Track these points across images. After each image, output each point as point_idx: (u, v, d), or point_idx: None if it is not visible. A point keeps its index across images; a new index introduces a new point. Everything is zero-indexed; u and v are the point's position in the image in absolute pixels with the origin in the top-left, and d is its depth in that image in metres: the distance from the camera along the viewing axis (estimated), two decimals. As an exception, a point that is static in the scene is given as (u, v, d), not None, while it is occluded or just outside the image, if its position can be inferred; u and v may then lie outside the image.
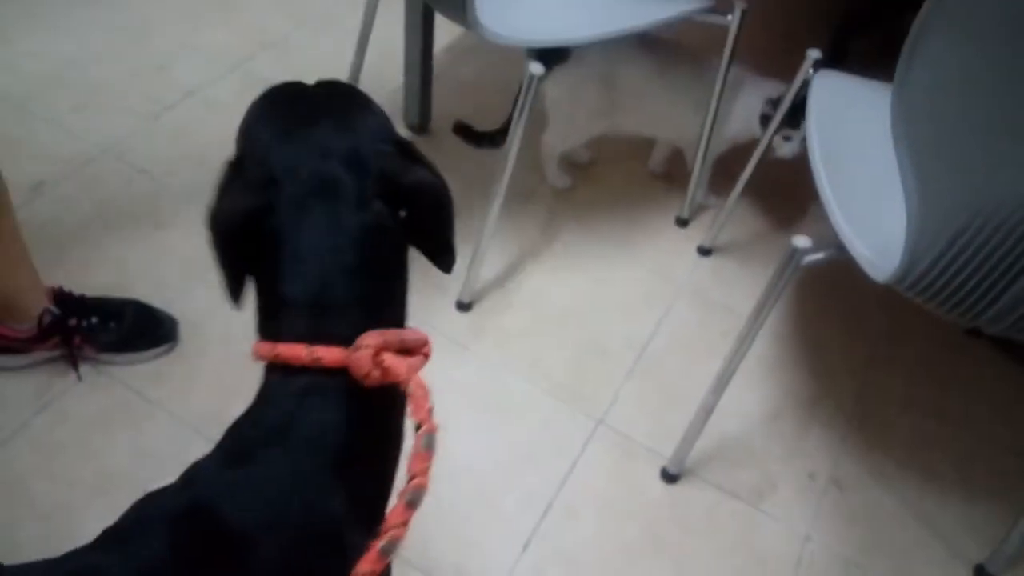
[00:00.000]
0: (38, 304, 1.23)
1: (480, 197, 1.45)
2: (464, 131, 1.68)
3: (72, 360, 1.28)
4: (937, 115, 0.86)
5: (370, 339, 0.60)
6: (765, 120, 1.50)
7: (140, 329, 1.33)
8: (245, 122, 0.70)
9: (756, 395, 1.47)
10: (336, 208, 0.61)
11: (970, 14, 0.78)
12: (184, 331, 1.38)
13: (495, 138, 1.64)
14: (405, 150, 0.67)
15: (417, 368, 0.63)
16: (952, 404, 1.50)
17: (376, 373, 0.60)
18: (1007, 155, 0.81)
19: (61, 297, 1.27)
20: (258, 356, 0.62)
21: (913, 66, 0.85)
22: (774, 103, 1.48)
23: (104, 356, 1.31)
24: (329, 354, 0.59)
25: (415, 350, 0.65)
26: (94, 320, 1.27)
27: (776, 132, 1.45)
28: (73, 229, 1.52)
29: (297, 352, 0.59)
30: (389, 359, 0.60)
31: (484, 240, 1.45)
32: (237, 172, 0.64)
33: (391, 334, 0.62)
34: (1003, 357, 1.58)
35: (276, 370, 0.61)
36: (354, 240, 0.61)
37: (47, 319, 1.23)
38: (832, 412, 1.46)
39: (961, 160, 0.85)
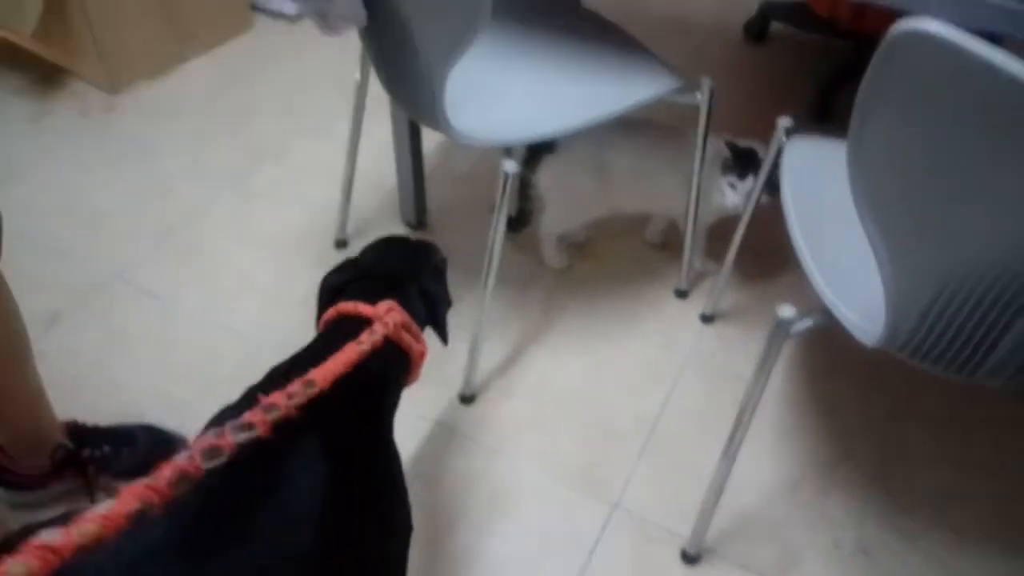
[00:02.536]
0: (54, 440, 1.26)
1: (478, 286, 1.47)
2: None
3: (89, 490, 1.30)
4: (894, 182, 0.86)
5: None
6: (725, 166, 1.54)
7: (153, 453, 1.35)
8: (367, 246, 1.13)
9: (773, 464, 1.44)
10: (389, 291, 1.01)
11: (911, 84, 0.79)
12: (196, 450, 1.40)
13: (512, 223, 1.72)
14: (438, 272, 1.13)
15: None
16: (978, 456, 1.46)
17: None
18: (968, 217, 0.81)
19: (74, 430, 1.30)
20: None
21: (863, 136, 0.86)
22: (734, 149, 1.53)
23: (120, 483, 1.33)
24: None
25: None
26: (107, 448, 1.30)
27: (762, 191, 1.46)
28: (88, 356, 1.57)
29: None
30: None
31: (481, 330, 1.46)
32: (350, 264, 1.09)
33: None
34: (1027, 400, 1.54)
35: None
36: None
37: (60, 454, 1.26)
38: (854, 473, 1.43)
39: (923, 225, 0.85)
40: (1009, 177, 0.75)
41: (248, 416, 0.70)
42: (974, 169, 0.78)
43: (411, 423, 1.44)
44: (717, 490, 1.24)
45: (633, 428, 1.48)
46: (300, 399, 0.75)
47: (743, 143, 1.55)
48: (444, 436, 1.44)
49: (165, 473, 0.63)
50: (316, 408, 0.76)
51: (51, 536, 0.54)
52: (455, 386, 1.51)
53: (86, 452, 1.29)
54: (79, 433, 1.30)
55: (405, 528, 0.93)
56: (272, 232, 1.83)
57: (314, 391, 0.77)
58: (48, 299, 1.66)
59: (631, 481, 1.39)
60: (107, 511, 0.58)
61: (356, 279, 1.03)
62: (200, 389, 1.50)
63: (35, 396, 1.23)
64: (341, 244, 1.80)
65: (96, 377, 1.53)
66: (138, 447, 1.34)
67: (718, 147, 1.56)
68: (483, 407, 1.50)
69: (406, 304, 1.00)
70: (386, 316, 0.94)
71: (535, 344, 1.62)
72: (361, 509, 0.84)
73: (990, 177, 0.76)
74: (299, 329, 1.64)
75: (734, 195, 1.54)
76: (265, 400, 0.73)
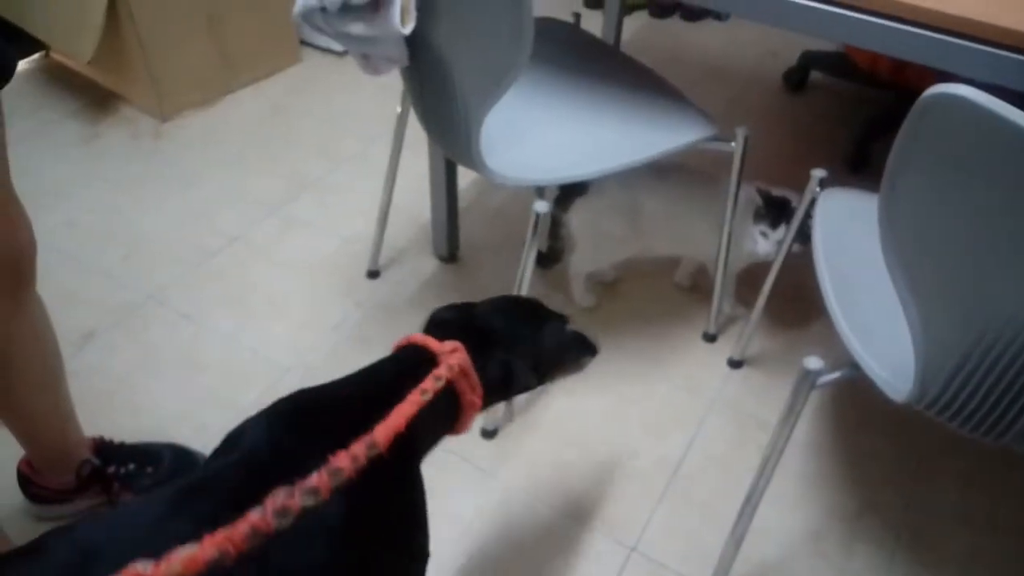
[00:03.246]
0: (81, 456, 1.29)
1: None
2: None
3: (113, 506, 1.33)
4: (925, 244, 0.86)
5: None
6: (757, 214, 1.54)
7: (178, 472, 1.37)
8: (495, 297, 1.09)
9: (797, 514, 1.42)
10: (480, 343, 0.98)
11: (943, 147, 0.79)
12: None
13: (543, 259, 1.76)
14: (542, 352, 1.06)
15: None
16: (1006, 516, 1.42)
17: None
18: (1000, 280, 0.81)
19: (100, 447, 1.33)
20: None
21: (896, 197, 0.86)
22: (763, 195, 1.53)
23: None
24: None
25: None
26: (132, 467, 1.32)
27: (793, 240, 1.46)
28: (119, 375, 1.60)
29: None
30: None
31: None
32: (464, 306, 1.05)
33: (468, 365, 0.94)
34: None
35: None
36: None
37: (86, 469, 1.28)
38: (879, 528, 1.40)
39: (955, 287, 0.85)
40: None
41: (315, 480, 0.73)
42: (1004, 232, 0.78)
43: (431, 454, 1.44)
44: (738, 538, 1.23)
45: (654, 471, 1.47)
46: (362, 463, 0.76)
47: (776, 192, 1.55)
48: (463, 469, 1.44)
49: (240, 527, 0.68)
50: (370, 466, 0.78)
51: (144, 567, 0.63)
52: (478, 421, 1.51)
53: (111, 469, 1.31)
54: (105, 450, 1.33)
55: (423, 555, 0.94)
56: (306, 260, 1.87)
57: (376, 454, 0.78)
58: (83, 317, 1.70)
59: (649, 525, 1.38)
60: (190, 555, 0.65)
61: (461, 321, 1.01)
62: (227, 412, 1.52)
63: (65, 415, 1.26)
64: (373, 274, 1.83)
65: (126, 396, 1.56)
66: (163, 466, 1.36)
67: (751, 194, 1.56)
68: (504, 442, 1.50)
69: (480, 357, 0.95)
70: (450, 357, 0.91)
71: (559, 382, 1.62)
72: (384, 531, 0.84)
73: (1020, 241, 0.76)
74: (329, 356, 1.68)
75: (766, 243, 1.54)
76: (332, 463, 0.75)
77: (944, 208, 0.81)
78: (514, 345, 1.01)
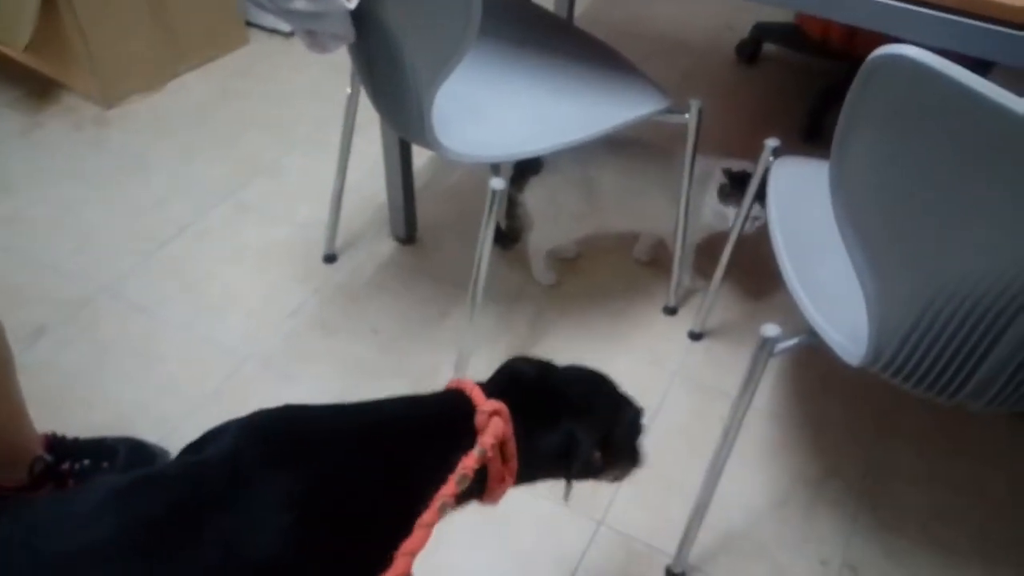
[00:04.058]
0: (33, 453, 1.26)
1: (466, 301, 1.47)
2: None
3: None
4: (875, 207, 0.87)
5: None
6: (721, 192, 1.53)
7: (134, 467, 1.34)
8: (574, 365, 1.00)
9: (760, 481, 1.44)
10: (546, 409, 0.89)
11: (891, 108, 0.80)
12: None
13: (502, 239, 1.73)
14: (606, 434, 0.94)
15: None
16: (964, 475, 1.46)
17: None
18: (950, 241, 0.82)
19: (53, 443, 1.29)
20: None
21: (845, 161, 0.86)
22: (728, 174, 1.53)
23: None
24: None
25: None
26: (86, 462, 1.29)
27: (749, 209, 1.46)
28: (73, 370, 1.56)
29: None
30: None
31: (469, 343, 1.46)
32: (543, 365, 0.95)
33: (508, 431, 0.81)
34: (1015, 423, 1.54)
35: None
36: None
37: (38, 467, 1.25)
38: (841, 491, 1.42)
39: (906, 249, 0.86)
40: (988, 199, 0.75)
41: None
42: (953, 191, 0.79)
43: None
44: (703, 507, 1.24)
45: (620, 445, 1.47)
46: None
47: (737, 166, 1.55)
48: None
49: None
50: None
51: None
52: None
53: (65, 465, 1.28)
54: (58, 446, 1.29)
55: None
56: (260, 247, 1.83)
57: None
58: (33, 313, 1.65)
59: (616, 498, 1.39)
60: None
61: (537, 380, 0.91)
62: (186, 403, 1.50)
63: (16, 411, 1.22)
64: (330, 259, 1.81)
65: (80, 391, 1.52)
66: (118, 461, 1.33)
67: (706, 166, 1.56)
68: (470, 423, 1.50)
69: (538, 421, 0.85)
70: (488, 423, 0.79)
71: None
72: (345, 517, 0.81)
73: (969, 199, 0.77)
74: (287, 343, 1.65)
75: (758, 222, 1.52)
76: None
77: (893, 169, 0.81)
78: (586, 417, 0.89)
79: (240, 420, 0.78)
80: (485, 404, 0.80)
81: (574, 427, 0.87)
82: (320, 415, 0.80)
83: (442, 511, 0.73)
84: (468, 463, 0.75)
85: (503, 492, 0.84)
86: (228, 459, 0.74)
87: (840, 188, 0.89)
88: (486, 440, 0.77)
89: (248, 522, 0.70)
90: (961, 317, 0.87)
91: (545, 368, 0.94)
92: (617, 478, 0.98)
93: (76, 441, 1.32)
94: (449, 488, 0.74)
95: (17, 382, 1.21)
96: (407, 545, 0.70)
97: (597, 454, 0.90)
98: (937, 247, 0.83)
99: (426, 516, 0.72)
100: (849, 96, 0.81)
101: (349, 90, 1.60)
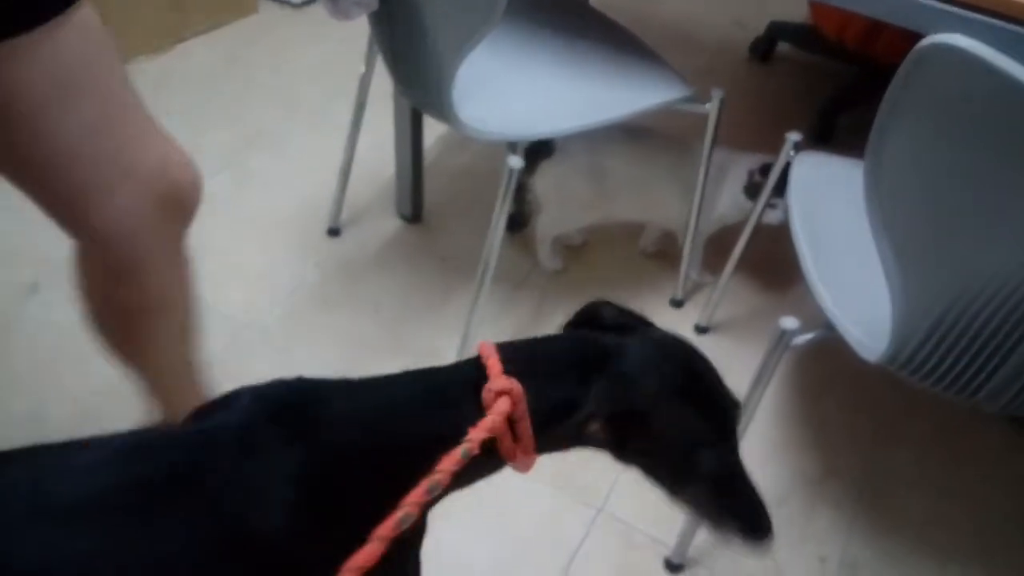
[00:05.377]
0: None
1: (471, 283, 1.45)
2: None
3: None
4: (910, 200, 0.86)
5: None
6: (750, 190, 1.52)
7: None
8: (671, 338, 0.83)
9: (760, 478, 1.42)
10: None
11: (935, 98, 0.78)
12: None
13: (510, 223, 1.67)
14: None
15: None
16: (964, 480, 1.45)
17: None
18: (984, 236, 0.81)
19: None
20: None
21: (883, 152, 0.85)
22: (756, 172, 1.50)
23: None
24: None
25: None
26: None
27: (765, 204, 1.45)
28: (67, 330, 1.52)
29: None
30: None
31: (472, 326, 1.44)
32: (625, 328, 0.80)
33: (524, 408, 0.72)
34: (1014, 430, 1.54)
35: None
36: None
37: None
38: (841, 492, 1.42)
39: (939, 243, 0.85)
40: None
41: None
42: (992, 186, 0.78)
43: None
44: (705, 501, 1.22)
45: (621, 435, 1.46)
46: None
47: (763, 162, 1.52)
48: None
49: None
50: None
51: None
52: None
53: None
54: None
55: None
56: (263, 216, 1.80)
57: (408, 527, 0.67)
58: (27, 270, 1.62)
59: (616, 486, 1.37)
60: None
61: (602, 335, 0.78)
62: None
63: (197, 370, 1.20)
64: (333, 232, 1.78)
65: (73, 350, 1.48)
66: None
67: (721, 158, 1.55)
68: (470, 405, 1.48)
69: (562, 395, 0.74)
70: (494, 402, 0.71)
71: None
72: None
73: (1010, 195, 0.76)
74: (284, 316, 1.62)
75: (776, 213, 1.49)
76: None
77: (932, 160, 0.80)
78: (619, 385, 0.74)
79: (255, 388, 0.74)
80: (495, 381, 0.72)
81: (583, 391, 0.73)
82: (334, 393, 0.76)
83: (403, 523, 0.66)
84: (446, 465, 0.68)
85: (529, 464, 0.76)
86: (238, 427, 0.71)
87: (875, 178, 0.88)
88: (475, 435, 0.70)
89: (250, 493, 0.67)
90: (988, 315, 0.86)
91: (626, 326, 0.79)
92: (724, 533, 0.79)
93: None
94: (416, 496, 0.67)
95: (199, 342, 1.17)
96: (355, 559, 0.64)
97: (595, 426, 0.74)
98: (970, 242, 0.82)
99: (382, 528, 0.65)
100: (892, 85, 0.79)
101: (363, 69, 1.58)
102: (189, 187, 0.98)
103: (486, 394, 0.72)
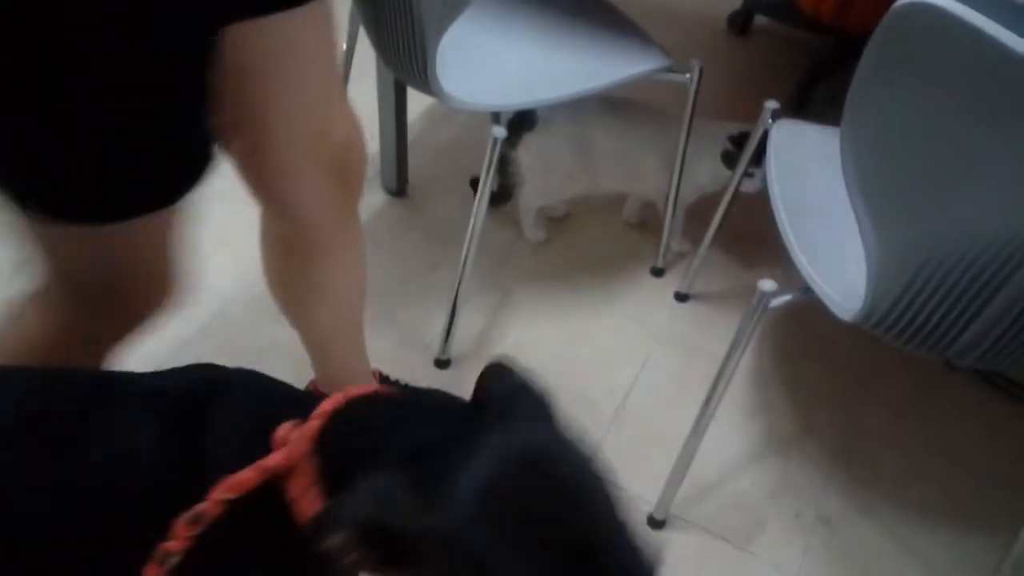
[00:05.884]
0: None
1: (457, 256, 1.47)
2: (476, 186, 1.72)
3: None
4: (885, 160, 0.89)
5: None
6: (726, 158, 1.55)
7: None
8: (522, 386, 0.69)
9: (740, 437, 1.47)
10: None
11: (911, 58, 0.81)
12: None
13: (493, 197, 1.69)
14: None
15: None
16: (936, 436, 1.51)
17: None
18: (956, 195, 0.84)
19: (381, 380, 1.35)
20: None
21: (859, 112, 0.88)
22: (733, 140, 1.53)
23: None
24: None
25: None
26: None
27: (744, 173, 1.48)
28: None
29: None
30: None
31: (460, 296, 1.47)
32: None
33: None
34: (985, 387, 1.60)
35: None
36: None
37: None
38: (817, 450, 1.47)
39: (912, 202, 0.88)
40: (1006, 153, 0.77)
41: None
42: (968, 145, 0.81)
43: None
44: (687, 459, 1.27)
45: (604, 398, 1.50)
46: None
47: (738, 131, 1.55)
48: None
49: None
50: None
51: None
52: (432, 351, 1.52)
53: None
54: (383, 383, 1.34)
55: None
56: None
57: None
58: (15, 246, 1.62)
59: (599, 447, 1.41)
60: None
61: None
62: (171, 342, 1.48)
63: (361, 337, 1.27)
64: (319, 207, 1.79)
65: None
66: None
67: (701, 128, 1.57)
68: (457, 372, 1.51)
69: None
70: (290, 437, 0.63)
71: (511, 314, 1.63)
72: None
73: (985, 153, 0.79)
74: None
75: (753, 181, 1.53)
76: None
77: (909, 119, 0.83)
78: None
79: (212, 366, 0.75)
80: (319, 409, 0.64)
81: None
82: (249, 382, 0.75)
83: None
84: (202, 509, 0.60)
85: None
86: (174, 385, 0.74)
87: (850, 139, 0.91)
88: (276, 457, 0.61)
89: (138, 427, 0.68)
90: (959, 273, 0.90)
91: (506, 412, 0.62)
92: None
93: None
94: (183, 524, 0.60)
95: (363, 309, 1.23)
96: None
97: (354, 552, 0.56)
98: (942, 200, 0.85)
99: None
100: (870, 44, 0.82)
101: (344, 46, 1.58)
102: (361, 163, 1.06)
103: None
